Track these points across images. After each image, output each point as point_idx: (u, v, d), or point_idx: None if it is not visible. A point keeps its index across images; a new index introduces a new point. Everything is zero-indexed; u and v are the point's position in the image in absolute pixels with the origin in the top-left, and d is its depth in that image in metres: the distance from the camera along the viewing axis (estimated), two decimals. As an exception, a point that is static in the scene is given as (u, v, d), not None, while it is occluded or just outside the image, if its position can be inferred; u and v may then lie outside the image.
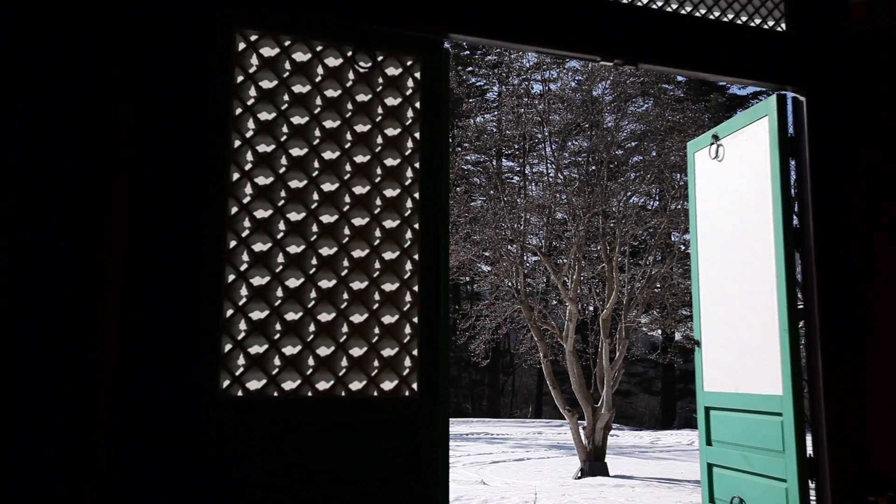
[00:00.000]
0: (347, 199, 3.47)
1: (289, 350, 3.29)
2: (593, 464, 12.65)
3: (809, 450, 4.23)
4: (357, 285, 3.43)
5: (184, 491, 3.05)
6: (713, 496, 5.01)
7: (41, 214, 2.87)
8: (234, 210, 3.30)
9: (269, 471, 3.18)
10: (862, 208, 4.40)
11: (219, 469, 3.11)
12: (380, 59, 3.59)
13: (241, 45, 3.38)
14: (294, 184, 3.39)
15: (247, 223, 3.31)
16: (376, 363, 3.41)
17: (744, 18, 4.40)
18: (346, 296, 3.40)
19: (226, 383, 3.19)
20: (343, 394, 3.34)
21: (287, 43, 3.45)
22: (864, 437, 4.17)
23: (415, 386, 3.44)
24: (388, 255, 3.49)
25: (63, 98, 2.93)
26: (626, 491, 10.29)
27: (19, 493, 2.71)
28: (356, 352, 3.39)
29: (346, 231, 3.44)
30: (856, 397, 4.21)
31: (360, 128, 3.53)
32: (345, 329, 3.38)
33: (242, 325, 3.25)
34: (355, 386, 3.36)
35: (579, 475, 12.46)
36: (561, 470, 13.37)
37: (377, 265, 3.47)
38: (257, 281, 3.29)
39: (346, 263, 3.42)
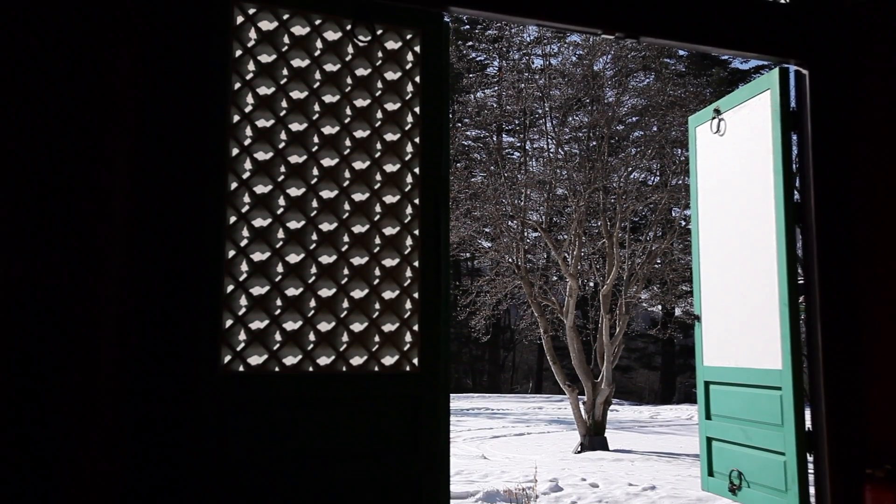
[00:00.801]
0: (347, 174, 3.45)
1: (289, 325, 3.30)
2: (593, 438, 12.75)
3: (808, 423, 4.25)
4: (357, 260, 3.42)
5: (186, 464, 3.07)
6: (712, 469, 5.05)
7: (40, 190, 2.86)
8: (234, 186, 3.28)
9: (270, 444, 3.20)
10: (863, 183, 4.38)
11: (220, 443, 3.13)
12: (379, 32, 3.55)
13: (240, 19, 3.35)
14: (294, 159, 3.38)
15: (246, 199, 3.30)
16: (377, 338, 3.42)
17: (747, -9, 4.35)
18: (346, 271, 3.40)
19: (227, 358, 3.20)
20: (344, 369, 3.35)
21: (286, 16, 3.42)
22: (863, 410, 4.19)
23: (416, 361, 3.45)
24: (389, 231, 3.48)
25: (61, 74, 2.91)
26: (626, 465, 10.38)
27: (21, 466, 2.73)
28: (357, 327, 3.39)
29: (347, 206, 3.43)
30: (855, 371, 4.22)
31: (359, 102, 3.51)
32: (345, 304, 3.39)
33: (243, 301, 3.25)
34: (356, 361, 3.38)
35: (579, 449, 12.56)
36: (561, 444, 13.48)
37: (377, 240, 3.46)
38: (257, 256, 3.29)
39: (345, 239, 3.42)
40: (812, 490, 4.21)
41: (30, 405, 2.76)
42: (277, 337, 3.28)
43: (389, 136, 3.54)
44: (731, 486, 4.75)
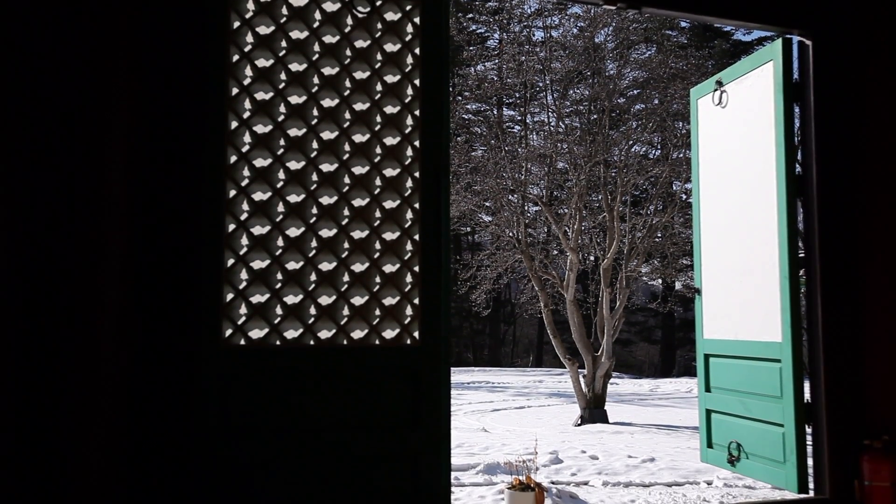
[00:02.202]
0: (347, 147, 3.43)
1: (290, 299, 3.30)
2: (593, 411, 12.83)
3: (807, 395, 4.27)
4: (358, 234, 3.42)
5: (188, 437, 3.10)
6: (711, 441, 5.08)
7: (40, 169, 2.85)
8: (234, 159, 3.27)
9: (271, 417, 3.22)
10: (866, 156, 4.35)
11: (222, 415, 3.15)
12: (378, 3, 3.51)
13: (237, -10, 3.31)
14: (293, 132, 3.36)
15: (246, 172, 3.28)
16: (378, 312, 3.42)
17: (750, -40, 4.30)
18: (346, 244, 3.40)
19: (228, 332, 3.21)
20: (345, 342, 3.36)
21: (283, -13, 3.37)
22: (862, 382, 4.21)
23: (416, 334, 3.46)
24: (389, 204, 3.47)
25: (56, 43, 2.88)
26: (626, 437, 10.46)
27: (27, 444, 2.75)
28: (357, 301, 3.39)
29: (346, 179, 3.42)
30: (854, 344, 4.23)
31: (359, 74, 3.48)
32: (346, 278, 3.39)
33: (244, 275, 3.25)
34: (357, 334, 3.38)
35: (579, 422, 12.64)
36: (561, 417, 13.57)
37: (377, 214, 3.45)
38: (257, 230, 3.28)
39: (346, 212, 3.41)
40: (810, 461, 4.24)
41: (33, 379, 2.77)
42: (278, 311, 3.28)
43: (389, 109, 3.51)
44: (730, 457, 4.78)
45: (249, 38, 3.32)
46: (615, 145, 14.21)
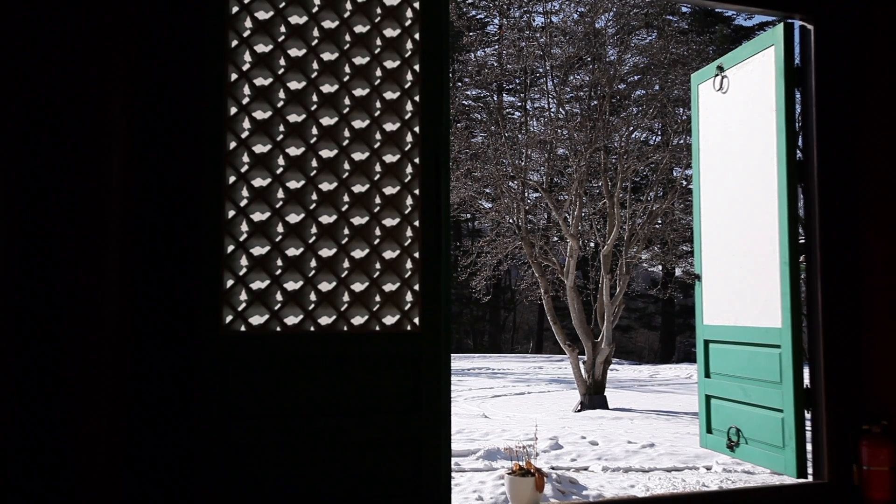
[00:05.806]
0: (346, 133, 3.42)
1: (290, 285, 3.30)
2: (593, 397, 12.88)
3: (806, 381, 4.28)
4: (357, 220, 3.41)
5: (189, 424, 3.10)
6: (710, 427, 5.10)
7: (38, 148, 2.84)
8: (233, 145, 3.26)
9: (273, 404, 3.22)
10: (867, 141, 4.34)
11: (222, 402, 3.15)
12: (378, -12, 3.49)
13: (235, -25, 3.29)
14: (292, 118, 3.34)
15: (245, 158, 3.27)
16: (378, 298, 3.42)
17: (752, -56, 4.27)
18: (346, 231, 3.39)
19: (228, 318, 3.21)
20: (345, 328, 3.36)
21: (282, -28, 3.35)
22: (861, 367, 4.22)
23: (416, 320, 3.46)
24: (389, 190, 3.46)
25: (54, 23, 2.87)
26: (625, 423, 10.50)
27: (30, 431, 2.75)
28: (357, 287, 3.39)
29: (346, 166, 3.41)
30: (853, 330, 4.24)
31: (358, 60, 3.46)
32: (346, 264, 3.39)
33: (244, 261, 3.25)
34: (357, 321, 3.38)
35: (579, 408, 12.69)
36: (561, 403, 13.62)
37: (377, 200, 3.45)
38: (257, 216, 3.28)
39: (345, 199, 3.40)
40: (809, 446, 4.26)
41: (34, 366, 2.77)
42: (278, 297, 3.28)
43: (389, 95, 3.50)
44: (729, 442, 4.80)
45: (248, 24, 3.30)
46: (615, 131, 14.19)
